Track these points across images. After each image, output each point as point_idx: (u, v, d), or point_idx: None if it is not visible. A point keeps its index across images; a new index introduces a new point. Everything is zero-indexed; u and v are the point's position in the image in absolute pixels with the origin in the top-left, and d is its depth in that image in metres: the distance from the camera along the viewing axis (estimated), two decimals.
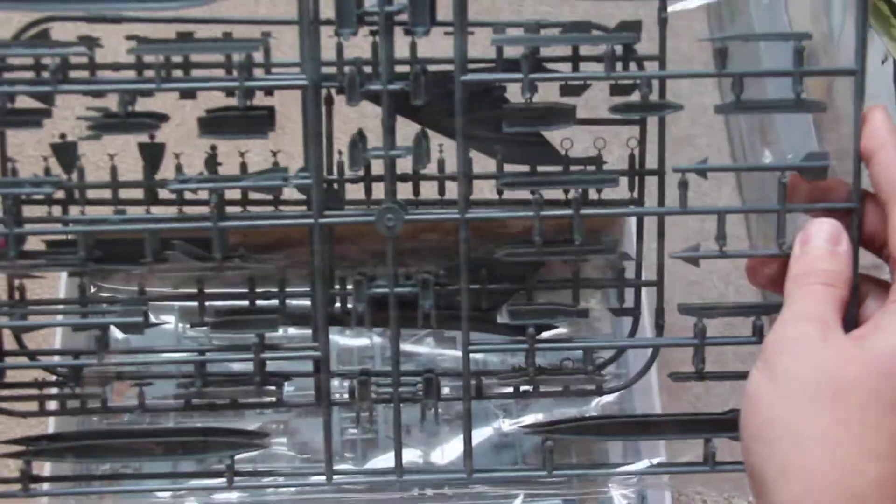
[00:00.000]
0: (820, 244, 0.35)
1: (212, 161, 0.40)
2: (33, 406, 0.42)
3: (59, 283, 0.56)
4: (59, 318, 0.45)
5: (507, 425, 0.63)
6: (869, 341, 0.33)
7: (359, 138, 0.39)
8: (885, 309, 0.34)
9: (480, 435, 0.63)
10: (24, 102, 0.38)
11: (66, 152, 0.40)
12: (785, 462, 0.32)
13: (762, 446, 0.33)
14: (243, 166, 0.42)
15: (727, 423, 0.40)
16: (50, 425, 0.47)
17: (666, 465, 0.46)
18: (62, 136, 0.41)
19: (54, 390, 0.42)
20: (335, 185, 0.43)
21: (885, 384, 0.32)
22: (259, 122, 0.38)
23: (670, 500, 0.58)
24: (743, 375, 0.36)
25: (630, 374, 0.62)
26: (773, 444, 0.33)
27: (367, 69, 0.38)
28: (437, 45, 0.39)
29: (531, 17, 0.41)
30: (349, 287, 0.41)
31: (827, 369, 0.33)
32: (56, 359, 0.44)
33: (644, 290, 0.46)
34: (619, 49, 0.41)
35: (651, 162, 0.43)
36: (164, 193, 0.42)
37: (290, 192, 0.42)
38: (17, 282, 0.42)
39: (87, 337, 0.52)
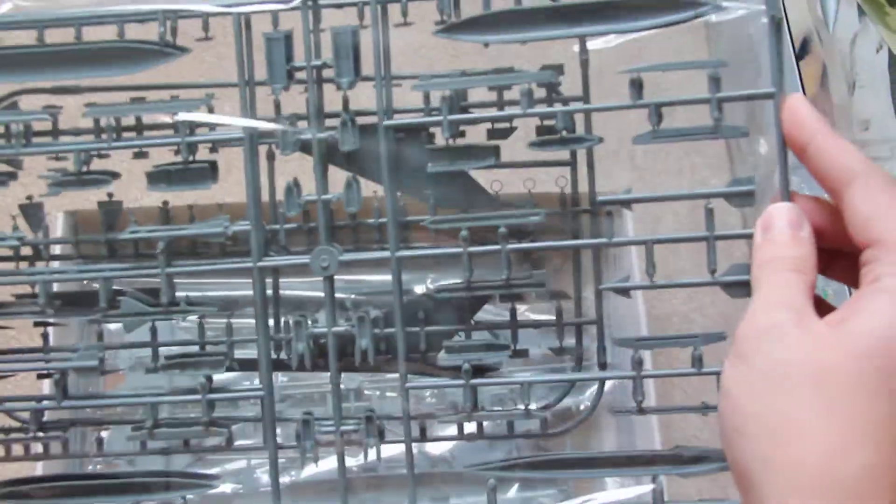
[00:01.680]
0: (782, 229, 0.33)
1: (164, 213, 0.41)
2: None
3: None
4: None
5: None
6: (847, 325, 0.30)
7: (294, 185, 0.39)
8: (862, 291, 0.31)
9: (474, 426, 0.62)
10: None
11: (33, 212, 0.42)
12: (768, 455, 0.30)
13: (744, 440, 0.31)
14: (192, 217, 0.43)
15: (671, 459, 0.39)
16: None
17: None
18: (29, 197, 0.42)
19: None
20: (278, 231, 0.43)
21: (866, 368, 0.29)
22: (202, 174, 0.39)
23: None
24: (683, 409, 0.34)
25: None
26: (755, 437, 0.30)
27: (305, 123, 0.39)
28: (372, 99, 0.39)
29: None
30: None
31: (805, 357, 0.30)
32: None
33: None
34: (544, 92, 0.41)
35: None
36: (122, 248, 0.43)
37: None
38: None
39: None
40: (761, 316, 0.32)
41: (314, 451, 0.42)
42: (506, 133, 0.41)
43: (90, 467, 0.56)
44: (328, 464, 0.64)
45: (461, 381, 0.40)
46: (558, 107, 0.40)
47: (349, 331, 0.40)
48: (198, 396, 0.40)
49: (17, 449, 0.43)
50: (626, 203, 0.37)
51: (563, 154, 0.42)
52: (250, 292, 0.39)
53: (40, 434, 0.41)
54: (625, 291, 0.39)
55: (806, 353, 0.30)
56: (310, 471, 0.63)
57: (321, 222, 0.39)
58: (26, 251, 0.43)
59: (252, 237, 0.39)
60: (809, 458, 0.29)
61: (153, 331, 0.42)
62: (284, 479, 0.62)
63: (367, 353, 0.40)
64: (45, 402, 0.41)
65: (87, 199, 0.42)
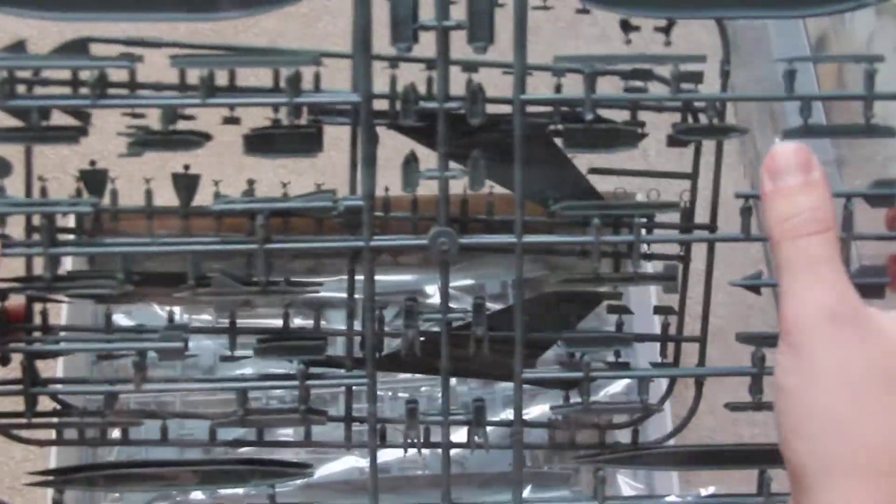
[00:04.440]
0: (793, 176, 0.28)
1: (250, 193, 0.34)
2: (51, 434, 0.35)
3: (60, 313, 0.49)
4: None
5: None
6: None
7: (412, 158, 0.33)
8: None
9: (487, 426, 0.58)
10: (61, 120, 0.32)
11: (95, 179, 0.34)
12: (829, 459, 0.26)
13: (802, 441, 0.27)
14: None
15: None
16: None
17: (720, 496, 0.39)
18: (92, 162, 0.34)
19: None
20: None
21: None
22: (307, 140, 0.32)
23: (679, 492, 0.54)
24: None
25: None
26: (814, 439, 0.26)
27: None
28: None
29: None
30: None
31: (867, 354, 0.26)
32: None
33: None
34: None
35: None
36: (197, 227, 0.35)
37: None
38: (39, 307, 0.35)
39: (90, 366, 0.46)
40: (806, 301, 0.27)
41: (417, 438, 0.36)
42: (635, 139, 0.34)
43: None
44: (341, 465, 0.59)
45: (579, 373, 0.35)
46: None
47: (465, 316, 0.34)
48: (294, 383, 0.33)
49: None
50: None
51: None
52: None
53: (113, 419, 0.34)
54: (756, 289, 0.35)
55: (867, 351, 0.26)
56: (324, 471, 0.59)
57: (441, 201, 0.32)
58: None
59: (364, 215, 0.32)
60: (875, 464, 0.26)
61: (233, 313, 0.35)
62: (297, 481, 0.57)
63: (482, 341, 0.34)
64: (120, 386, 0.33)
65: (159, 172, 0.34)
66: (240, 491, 0.56)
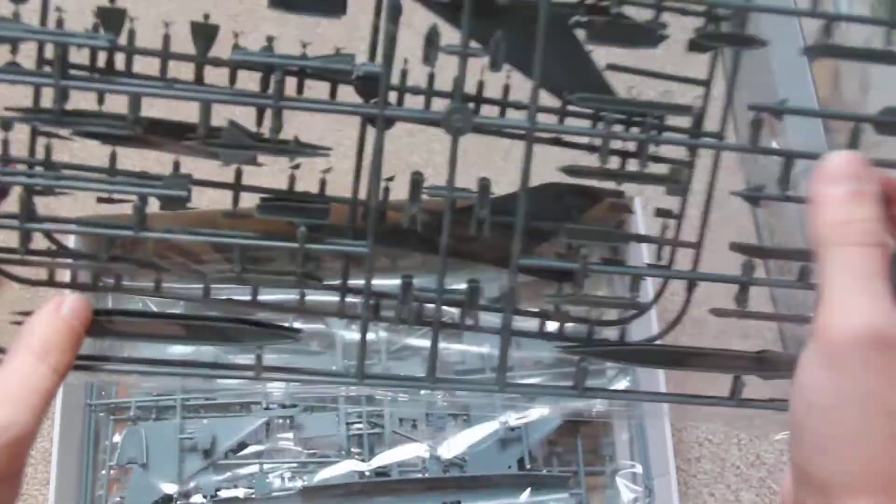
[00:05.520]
0: (847, 184, 0.26)
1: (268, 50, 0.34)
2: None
3: None
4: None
5: (513, 420, 0.55)
6: None
7: (434, 33, 0.32)
8: None
9: (486, 429, 0.56)
10: None
11: (113, 18, 0.33)
12: (857, 481, 0.25)
13: (829, 460, 0.25)
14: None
15: (759, 362, 0.34)
16: None
17: (692, 397, 0.36)
18: (111, 0, 0.34)
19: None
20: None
21: None
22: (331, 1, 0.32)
23: (677, 496, 0.51)
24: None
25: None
26: (845, 461, 0.25)
27: None
28: None
29: None
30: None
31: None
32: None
33: None
34: None
35: None
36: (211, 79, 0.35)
37: None
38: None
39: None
40: (857, 319, 0.25)
41: (410, 315, 0.33)
42: (656, 40, 0.33)
43: None
44: (340, 468, 0.56)
45: (575, 265, 0.33)
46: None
47: (470, 196, 0.32)
48: (294, 244, 0.31)
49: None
50: (777, 113, 0.33)
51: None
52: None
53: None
54: (755, 200, 0.34)
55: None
56: (322, 475, 0.56)
57: (459, 78, 0.32)
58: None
59: (381, 81, 0.32)
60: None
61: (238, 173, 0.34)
62: (296, 484, 0.56)
63: (483, 224, 0.33)
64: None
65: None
66: (240, 494, 0.53)
